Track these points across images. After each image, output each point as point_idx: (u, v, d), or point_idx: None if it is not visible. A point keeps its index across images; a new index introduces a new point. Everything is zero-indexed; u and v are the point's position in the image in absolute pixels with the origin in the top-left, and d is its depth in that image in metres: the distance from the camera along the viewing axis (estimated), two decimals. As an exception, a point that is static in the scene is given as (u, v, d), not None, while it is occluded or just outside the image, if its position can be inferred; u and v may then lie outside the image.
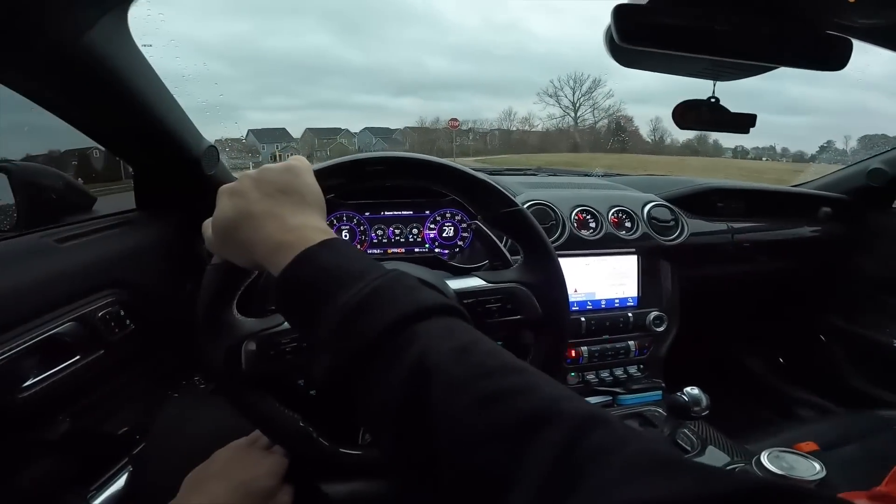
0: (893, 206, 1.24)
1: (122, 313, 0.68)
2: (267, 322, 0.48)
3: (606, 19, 0.57)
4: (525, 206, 0.96)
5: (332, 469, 0.52)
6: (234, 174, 1.03)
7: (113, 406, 0.72)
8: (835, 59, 0.60)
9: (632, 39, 0.62)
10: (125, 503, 0.65)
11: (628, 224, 1.00)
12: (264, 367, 0.47)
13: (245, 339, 0.47)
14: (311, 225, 0.34)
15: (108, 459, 0.68)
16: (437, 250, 1.02)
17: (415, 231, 1.00)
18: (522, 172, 1.27)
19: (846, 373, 1.26)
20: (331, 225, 0.95)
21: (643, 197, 1.05)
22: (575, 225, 0.97)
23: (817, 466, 0.61)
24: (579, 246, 0.96)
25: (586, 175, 1.32)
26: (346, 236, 0.96)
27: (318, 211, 0.37)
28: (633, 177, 1.31)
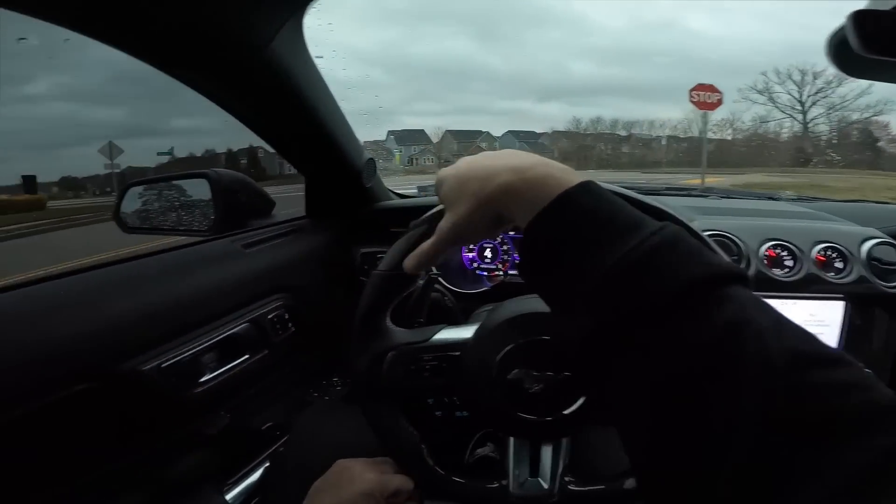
0: None
1: (287, 316, 0.73)
2: (416, 335, 0.50)
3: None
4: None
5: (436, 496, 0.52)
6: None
7: (262, 403, 0.76)
8: None
9: (876, 48, 0.50)
10: (258, 498, 0.69)
11: (839, 265, 0.83)
12: (401, 380, 0.48)
13: (392, 349, 0.48)
14: (556, 166, 0.31)
15: (249, 454, 0.73)
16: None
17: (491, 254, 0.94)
18: (688, 193, 1.13)
19: None
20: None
21: (860, 232, 0.86)
22: (765, 262, 0.83)
23: None
24: (770, 288, 0.82)
25: (770, 199, 1.12)
26: (488, 255, 0.93)
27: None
28: (838, 202, 1.09)
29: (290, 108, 0.71)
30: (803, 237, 0.84)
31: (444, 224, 0.37)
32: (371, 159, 0.94)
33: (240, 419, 0.70)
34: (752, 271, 0.82)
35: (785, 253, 0.83)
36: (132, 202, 0.92)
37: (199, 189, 0.90)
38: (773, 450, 0.19)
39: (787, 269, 0.82)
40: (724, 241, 0.84)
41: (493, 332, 0.48)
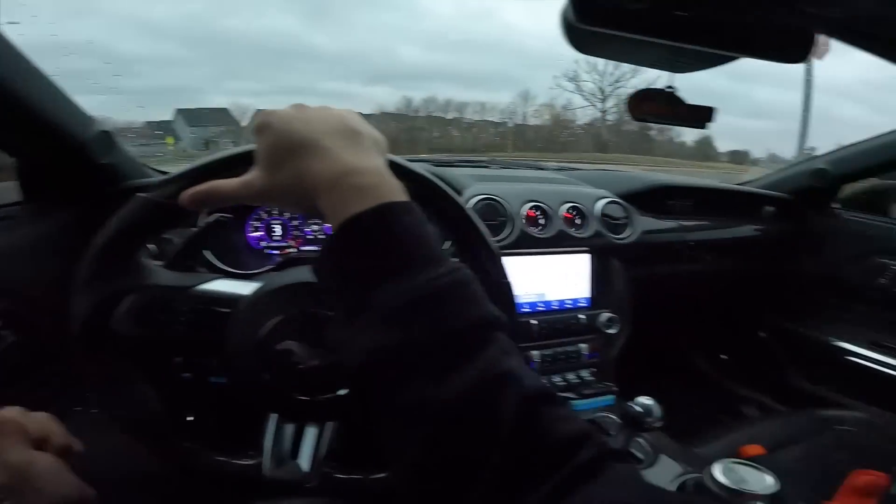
0: (832, 206, 1.28)
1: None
2: (180, 279, 0.44)
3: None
4: (474, 200, 0.90)
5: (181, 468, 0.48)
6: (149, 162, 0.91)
7: None
8: (796, 51, 0.57)
9: (589, 19, 0.57)
10: None
11: (579, 221, 0.97)
12: (138, 329, 0.43)
13: (138, 289, 0.42)
14: (389, 179, 0.31)
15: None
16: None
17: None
18: (473, 164, 1.21)
19: (787, 371, 1.31)
20: (255, 221, 0.85)
21: (596, 193, 1.02)
22: (525, 221, 0.92)
23: (770, 480, 0.60)
24: (530, 244, 0.92)
25: (539, 168, 1.27)
26: (277, 231, 0.86)
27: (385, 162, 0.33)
28: (588, 171, 1.29)
29: None
30: (555, 198, 0.95)
31: (255, 180, 0.33)
32: (105, 131, 0.78)
33: None
34: (515, 231, 0.90)
35: (539, 213, 0.94)
36: None
37: None
38: (514, 477, 0.23)
39: (541, 227, 0.93)
40: (493, 203, 0.91)
41: (270, 295, 0.44)
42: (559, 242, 0.93)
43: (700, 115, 0.65)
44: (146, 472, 0.49)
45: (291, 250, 0.87)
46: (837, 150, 1.19)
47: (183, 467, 0.47)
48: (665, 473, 0.73)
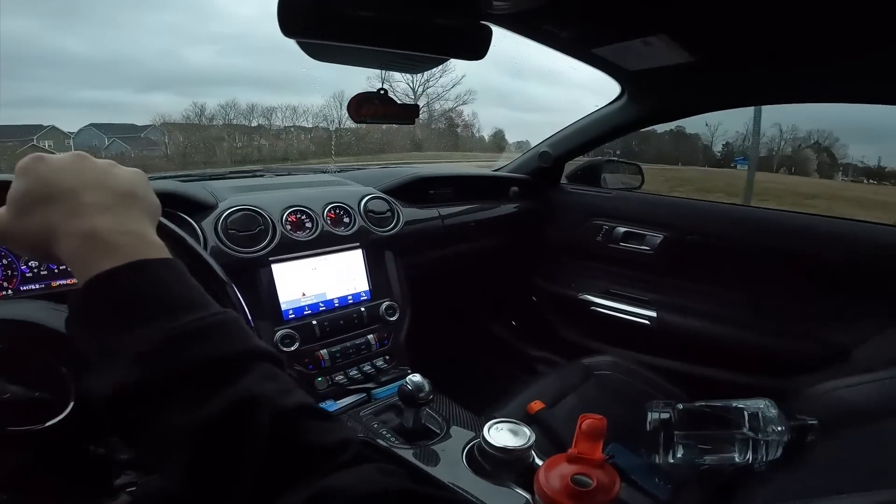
0: (562, 182, 1.61)
1: None
2: None
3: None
4: (226, 212, 0.87)
5: None
6: None
7: None
8: (476, 47, 0.68)
9: (294, 32, 0.60)
10: None
11: (346, 220, 1.02)
12: None
13: None
14: (150, 238, 0.32)
15: None
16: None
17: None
18: (248, 175, 1.16)
19: (557, 327, 1.57)
20: None
21: (361, 191, 1.08)
22: (288, 227, 0.93)
23: (528, 432, 0.71)
24: (295, 249, 0.92)
25: (323, 172, 1.30)
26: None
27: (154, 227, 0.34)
28: (365, 170, 1.36)
29: None
30: (317, 202, 0.98)
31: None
32: None
33: None
34: (276, 237, 0.90)
35: (304, 217, 0.96)
36: None
37: None
38: (271, 484, 0.26)
39: (307, 231, 0.95)
40: (251, 214, 0.89)
41: None
42: (326, 242, 0.97)
43: (409, 113, 0.75)
44: None
45: (6, 292, 0.73)
46: (555, 133, 1.49)
47: None
48: (455, 442, 0.79)
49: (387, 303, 1.03)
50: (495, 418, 0.74)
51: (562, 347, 1.52)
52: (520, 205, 1.49)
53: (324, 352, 0.95)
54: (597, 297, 1.45)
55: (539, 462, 0.70)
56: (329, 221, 0.98)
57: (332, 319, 0.96)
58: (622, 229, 1.44)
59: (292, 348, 0.91)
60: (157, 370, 0.27)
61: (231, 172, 1.21)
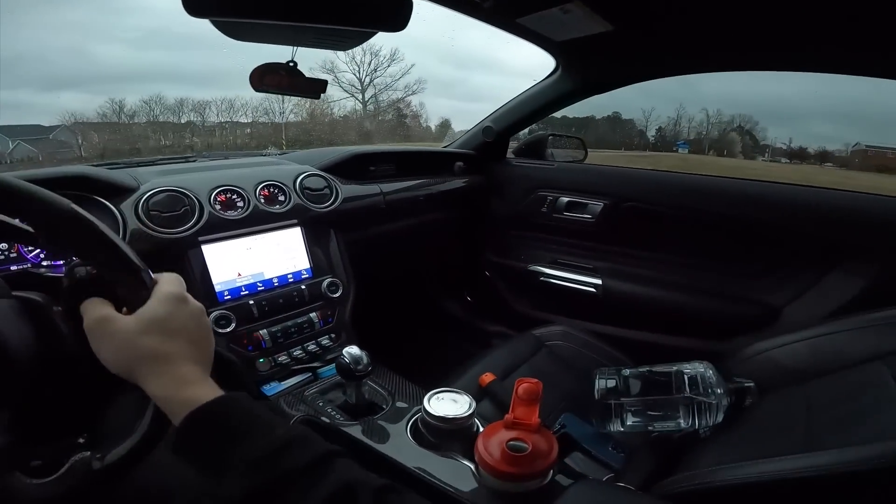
0: (507, 156, 1.64)
1: None
2: None
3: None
4: (147, 194, 0.84)
5: None
6: None
7: None
8: (397, 18, 0.67)
9: (199, 10, 0.58)
10: None
11: (281, 198, 1.00)
12: None
13: None
14: (209, 377, 0.42)
15: None
16: (46, 264, 0.80)
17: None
18: (178, 160, 1.12)
19: (510, 300, 1.61)
20: None
21: (296, 169, 1.07)
22: (217, 207, 0.91)
23: (467, 400, 0.71)
24: (225, 227, 0.91)
25: (262, 156, 1.27)
26: None
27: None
28: (305, 152, 1.33)
29: None
30: (248, 181, 0.97)
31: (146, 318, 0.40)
32: None
33: None
34: (204, 216, 0.88)
35: (235, 196, 0.94)
36: None
37: None
38: None
39: (238, 210, 0.93)
40: (174, 195, 0.87)
41: None
42: (260, 220, 0.95)
43: (316, 87, 0.74)
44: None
45: None
46: (497, 109, 1.52)
47: None
48: (399, 415, 0.79)
49: (329, 279, 1.03)
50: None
51: (515, 320, 1.55)
52: (466, 180, 1.51)
53: (263, 332, 0.94)
54: (545, 267, 1.50)
55: None
56: (262, 200, 0.97)
57: (271, 299, 0.95)
58: (565, 199, 1.48)
59: (228, 329, 0.89)
60: (272, 473, 0.35)
61: (160, 159, 1.17)
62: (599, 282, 1.43)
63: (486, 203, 1.59)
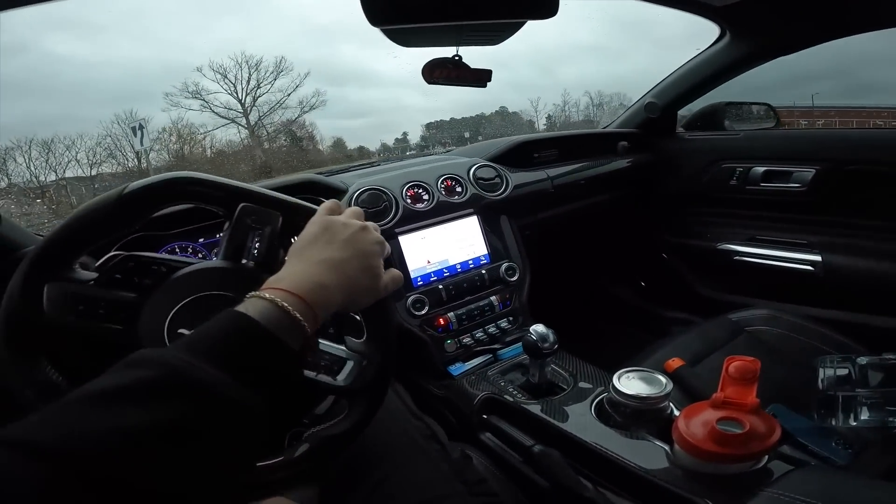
0: (678, 132, 1.49)
1: None
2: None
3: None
4: (356, 194, 0.98)
5: None
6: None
7: None
8: (547, 3, 0.69)
9: (379, 20, 0.66)
10: None
11: (459, 189, 1.08)
12: (65, 316, 0.46)
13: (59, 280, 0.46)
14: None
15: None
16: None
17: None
18: (366, 165, 1.30)
19: (693, 283, 1.46)
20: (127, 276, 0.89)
21: (468, 161, 1.14)
22: (409, 201, 1.02)
23: (663, 380, 0.67)
24: (417, 219, 1.01)
25: (429, 155, 1.40)
26: (148, 282, 0.89)
27: None
28: (466, 147, 1.42)
29: None
30: (430, 175, 1.07)
31: None
32: None
33: None
34: (399, 210, 1.00)
35: (421, 190, 1.04)
36: None
37: None
38: None
39: (425, 202, 1.03)
40: (376, 193, 1.00)
41: (169, 287, 0.48)
42: (444, 211, 1.04)
43: (481, 76, 0.78)
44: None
45: None
46: (658, 83, 1.40)
47: None
48: (583, 395, 0.78)
49: (506, 264, 1.07)
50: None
51: (700, 305, 1.40)
52: (631, 159, 1.42)
53: (451, 315, 1.01)
54: (740, 245, 1.32)
55: (677, 412, 0.66)
56: (444, 192, 1.06)
57: (456, 283, 1.03)
58: (760, 169, 1.29)
59: (422, 312, 0.99)
60: None
61: (351, 166, 1.35)
62: (818, 258, 1.19)
63: (657, 181, 1.47)
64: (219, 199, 0.51)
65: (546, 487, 0.70)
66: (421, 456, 0.72)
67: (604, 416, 0.72)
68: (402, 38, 0.74)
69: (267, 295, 0.37)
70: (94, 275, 0.48)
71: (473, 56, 0.73)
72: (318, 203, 0.51)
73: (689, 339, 0.98)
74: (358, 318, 0.52)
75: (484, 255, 1.09)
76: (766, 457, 0.57)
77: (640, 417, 0.68)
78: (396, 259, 1.00)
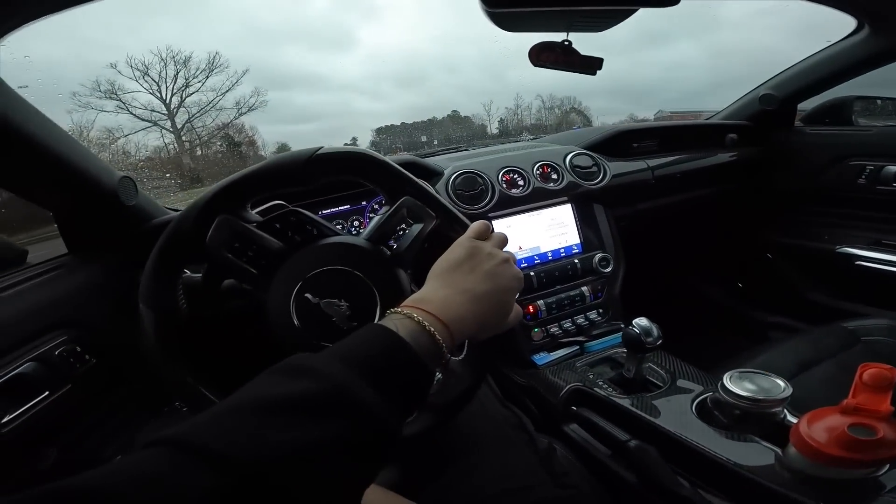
0: (796, 125, 1.36)
1: (79, 349, 0.72)
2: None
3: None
4: (452, 176, 1.01)
5: None
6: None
7: (106, 434, 0.78)
8: None
9: (498, 3, 0.67)
10: None
11: (554, 176, 1.07)
12: (221, 248, 0.49)
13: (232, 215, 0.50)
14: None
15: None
16: None
17: (356, 223, 1.02)
18: (453, 150, 1.32)
19: (802, 288, 1.34)
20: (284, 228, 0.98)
21: (564, 149, 1.12)
22: (504, 186, 1.02)
23: (781, 384, 0.63)
24: (511, 204, 1.02)
25: (516, 142, 1.39)
26: (298, 238, 0.98)
27: None
28: (556, 135, 1.40)
29: (6, 146, 0.66)
30: (526, 161, 1.06)
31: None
32: (126, 177, 0.90)
33: (79, 452, 0.71)
34: (496, 195, 1.01)
35: (517, 176, 1.04)
36: None
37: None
38: None
39: (520, 188, 1.03)
40: (472, 176, 1.02)
41: (313, 250, 0.52)
42: (539, 197, 1.04)
43: (592, 64, 0.76)
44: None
45: None
46: (776, 75, 1.28)
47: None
48: (682, 393, 0.75)
49: (599, 254, 1.04)
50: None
51: (807, 311, 1.28)
52: (737, 153, 1.32)
53: (540, 302, 1.01)
54: (864, 249, 1.18)
55: (792, 419, 0.61)
56: (539, 178, 1.05)
57: (548, 271, 1.02)
58: (894, 168, 1.14)
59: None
60: None
61: (438, 150, 1.38)
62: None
63: (767, 177, 1.35)
64: (392, 186, 0.53)
65: (633, 483, 0.68)
66: (509, 446, 0.72)
67: (705, 415, 0.68)
68: (510, 22, 0.74)
69: (416, 316, 0.37)
70: (259, 218, 0.52)
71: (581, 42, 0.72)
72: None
73: (795, 344, 0.91)
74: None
75: (577, 245, 1.07)
76: (888, 465, 0.53)
77: (748, 420, 0.63)
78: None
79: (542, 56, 0.75)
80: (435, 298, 0.40)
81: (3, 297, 0.68)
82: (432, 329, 0.36)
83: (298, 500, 0.25)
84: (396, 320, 0.36)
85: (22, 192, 0.79)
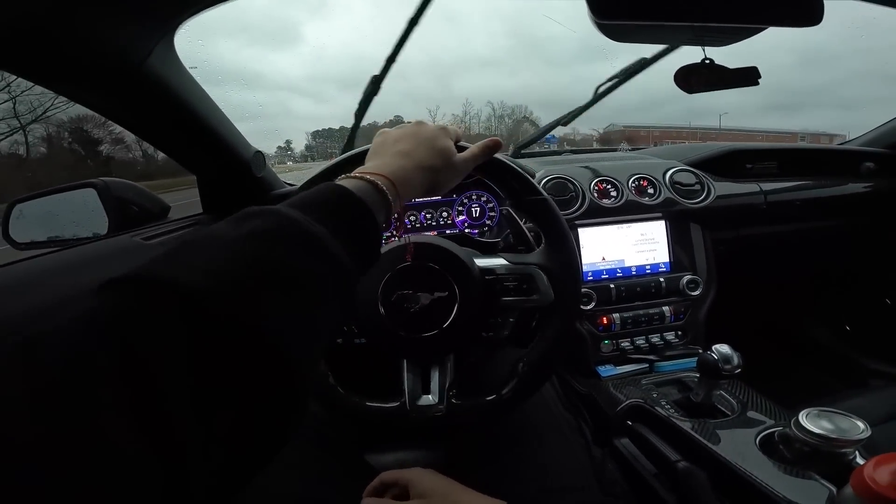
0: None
1: None
2: None
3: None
4: (544, 180, 1.02)
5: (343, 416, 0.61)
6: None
7: None
8: (811, 12, 0.61)
9: (609, 15, 0.66)
10: None
11: (651, 190, 1.04)
12: None
13: None
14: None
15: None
16: (466, 230, 1.09)
17: (444, 214, 1.09)
18: (546, 153, 1.32)
19: None
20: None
21: (665, 163, 1.08)
22: (596, 195, 1.02)
23: (861, 426, 0.58)
24: (601, 214, 1.01)
25: (613, 150, 1.35)
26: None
27: None
28: (656, 147, 1.34)
29: (171, 114, 0.79)
30: (621, 173, 1.04)
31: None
32: (259, 152, 1.04)
33: None
34: (585, 202, 1.00)
35: (610, 186, 1.03)
36: (20, 219, 0.95)
37: (88, 199, 0.96)
38: None
39: (612, 199, 1.02)
40: (564, 182, 1.02)
41: (385, 255, 0.58)
42: (631, 210, 1.02)
43: (749, 75, 0.71)
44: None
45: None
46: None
47: (349, 416, 0.62)
48: (748, 424, 0.72)
49: (688, 276, 1.00)
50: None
51: None
52: (872, 184, 1.16)
53: (616, 316, 1.00)
54: None
55: (861, 461, 0.57)
56: (633, 191, 1.03)
57: (629, 286, 1.00)
58: None
59: (588, 307, 0.99)
60: None
61: (535, 153, 1.39)
62: None
63: (903, 214, 1.18)
64: (514, 194, 0.62)
65: None
66: (564, 445, 0.74)
67: (768, 449, 0.65)
68: (621, 33, 0.72)
69: (356, 174, 0.42)
70: None
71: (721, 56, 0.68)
72: None
73: (894, 393, 0.84)
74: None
75: (664, 263, 1.04)
76: None
77: (815, 458, 0.60)
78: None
79: (692, 80, 0.73)
80: (372, 165, 0.46)
81: (149, 244, 0.79)
82: (375, 180, 0.41)
83: (252, 325, 0.24)
84: (341, 180, 0.41)
85: (178, 156, 0.94)
